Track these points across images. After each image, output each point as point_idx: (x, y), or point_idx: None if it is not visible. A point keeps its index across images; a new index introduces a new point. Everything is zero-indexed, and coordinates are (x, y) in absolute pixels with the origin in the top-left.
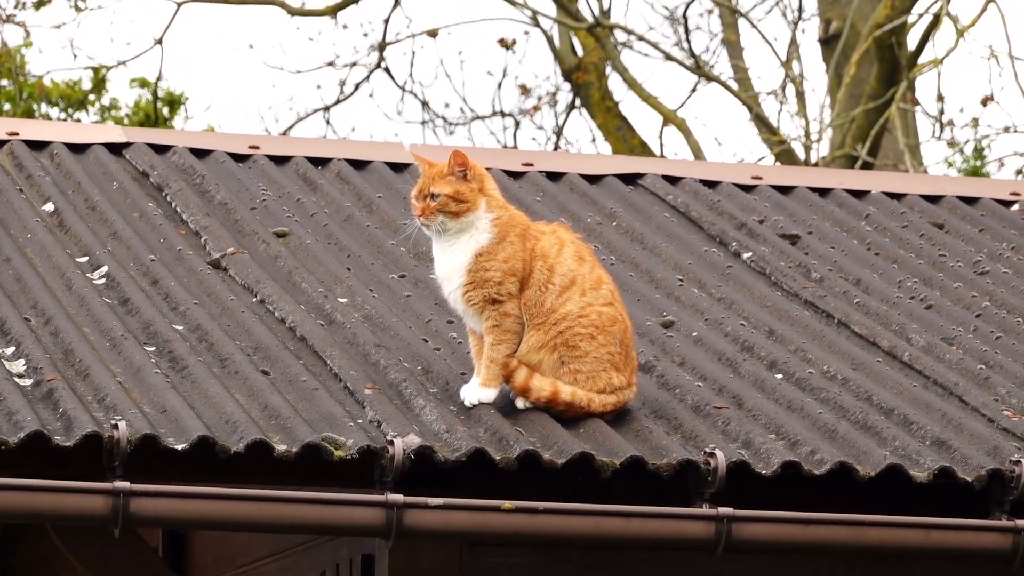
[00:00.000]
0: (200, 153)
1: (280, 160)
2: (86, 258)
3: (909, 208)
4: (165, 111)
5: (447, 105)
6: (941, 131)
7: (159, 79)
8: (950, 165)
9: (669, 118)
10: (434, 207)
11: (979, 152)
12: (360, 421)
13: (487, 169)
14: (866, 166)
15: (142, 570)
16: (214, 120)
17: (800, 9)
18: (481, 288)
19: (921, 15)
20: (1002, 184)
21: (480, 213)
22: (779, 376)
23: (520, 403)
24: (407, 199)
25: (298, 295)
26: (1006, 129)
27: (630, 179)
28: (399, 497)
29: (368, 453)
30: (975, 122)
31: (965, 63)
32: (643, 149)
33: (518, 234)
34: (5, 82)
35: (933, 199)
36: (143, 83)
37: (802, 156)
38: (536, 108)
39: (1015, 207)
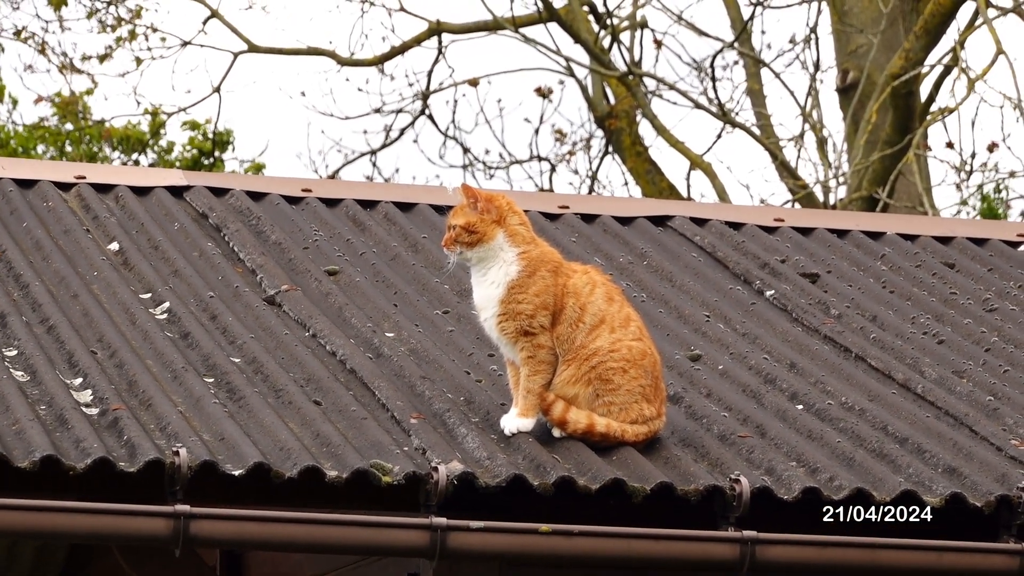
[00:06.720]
0: (256, 196)
1: (331, 202)
2: (149, 294)
3: (922, 249)
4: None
5: (487, 151)
6: (968, 177)
7: (211, 122)
8: (964, 203)
9: (696, 162)
10: (451, 237)
11: (997, 191)
12: (406, 448)
13: (525, 211)
14: (884, 208)
15: None
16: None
17: (818, 61)
18: (514, 320)
19: (933, 66)
20: (1009, 226)
21: (498, 244)
22: (800, 407)
23: (556, 432)
24: None
25: (348, 330)
26: (1012, 174)
27: (660, 221)
28: (443, 520)
29: (414, 479)
30: (984, 166)
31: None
32: (671, 191)
33: (550, 270)
34: (69, 126)
35: (944, 240)
36: (194, 125)
37: (821, 199)
38: (571, 153)
39: (1022, 248)
